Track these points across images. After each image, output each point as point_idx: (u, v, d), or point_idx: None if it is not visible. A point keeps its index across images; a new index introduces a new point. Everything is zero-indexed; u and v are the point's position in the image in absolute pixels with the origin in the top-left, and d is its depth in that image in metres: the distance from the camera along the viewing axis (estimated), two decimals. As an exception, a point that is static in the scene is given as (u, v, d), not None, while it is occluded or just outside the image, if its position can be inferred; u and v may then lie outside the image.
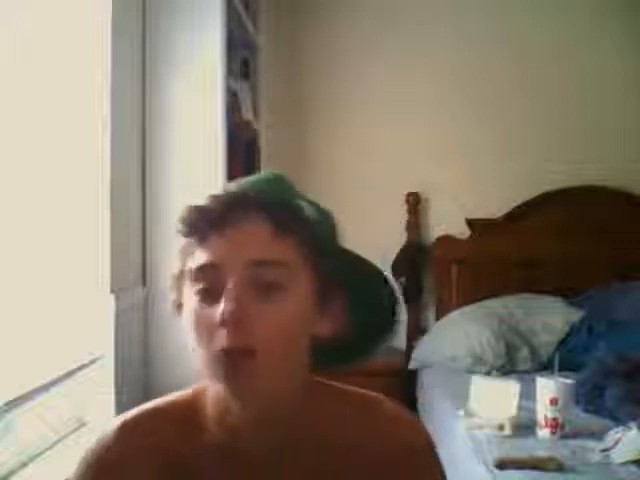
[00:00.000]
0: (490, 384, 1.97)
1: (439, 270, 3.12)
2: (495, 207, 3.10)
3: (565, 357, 2.00)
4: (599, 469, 1.55)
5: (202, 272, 0.67)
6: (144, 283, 2.02)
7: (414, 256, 3.09)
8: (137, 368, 1.91)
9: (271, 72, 3.01)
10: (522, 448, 1.68)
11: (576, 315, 2.67)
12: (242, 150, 2.32)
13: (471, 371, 2.46)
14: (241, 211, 0.67)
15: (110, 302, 1.73)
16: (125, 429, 0.72)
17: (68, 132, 1.62)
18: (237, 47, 2.38)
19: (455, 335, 2.68)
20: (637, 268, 2.83)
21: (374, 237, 3.13)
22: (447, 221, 3.16)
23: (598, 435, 1.70)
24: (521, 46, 3.17)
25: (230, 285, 0.64)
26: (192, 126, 1.99)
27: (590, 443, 1.68)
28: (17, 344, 1.36)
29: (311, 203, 0.74)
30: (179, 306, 0.72)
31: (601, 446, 1.62)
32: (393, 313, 0.78)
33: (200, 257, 0.67)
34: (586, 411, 1.98)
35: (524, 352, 2.57)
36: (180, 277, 0.71)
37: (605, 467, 1.56)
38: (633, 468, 1.54)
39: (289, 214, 0.69)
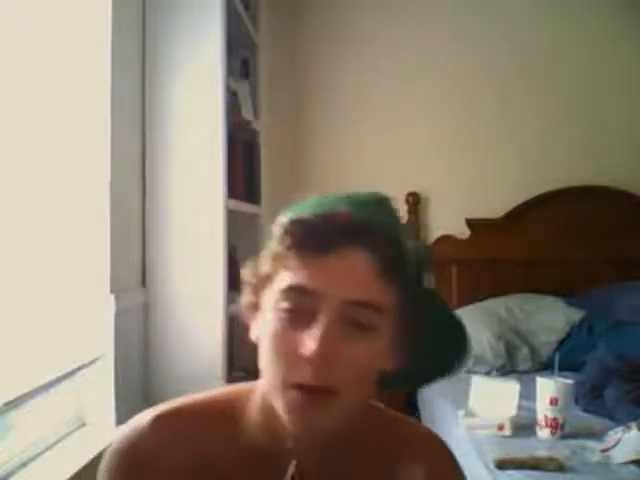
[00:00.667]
0: (490, 384, 1.97)
1: (439, 270, 3.12)
2: (495, 207, 3.10)
3: (565, 357, 2.00)
4: (599, 469, 1.55)
5: (295, 292, 0.63)
6: (144, 283, 2.02)
7: (414, 256, 3.09)
8: (137, 368, 1.90)
9: (271, 72, 3.01)
10: (522, 448, 1.68)
11: (576, 315, 2.67)
12: (242, 150, 2.32)
13: (471, 371, 2.46)
14: (350, 239, 0.63)
15: (110, 302, 1.73)
16: (160, 422, 0.70)
17: (68, 132, 1.62)
18: (237, 47, 2.37)
19: (455, 335, 2.68)
20: (637, 268, 2.83)
21: (374, 237, 3.14)
22: (447, 221, 3.16)
23: (598, 435, 1.70)
24: (521, 46, 3.17)
25: (324, 320, 0.61)
26: (192, 126, 1.99)
27: (590, 443, 1.68)
28: (17, 344, 1.36)
29: (409, 235, 0.70)
30: (253, 307, 0.70)
31: (601, 446, 1.62)
32: (461, 357, 0.77)
33: (297, 277, 0.63)
34: (586, 411, 1.98)
35: (524, 352, 2.57)
36: (264, 281, 0.68)
37: (605, 467, 1.56)
38: (633, 468, 1.54)
39: (396, 254, 0.64)
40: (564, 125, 3.17)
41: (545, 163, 3.15)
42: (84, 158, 1.69)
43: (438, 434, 0.80)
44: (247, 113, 2.36)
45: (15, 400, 1.28)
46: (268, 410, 0.68)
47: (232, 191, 2.07)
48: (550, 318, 2.67)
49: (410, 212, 3.14)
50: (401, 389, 0.80)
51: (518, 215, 3.09)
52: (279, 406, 0.64)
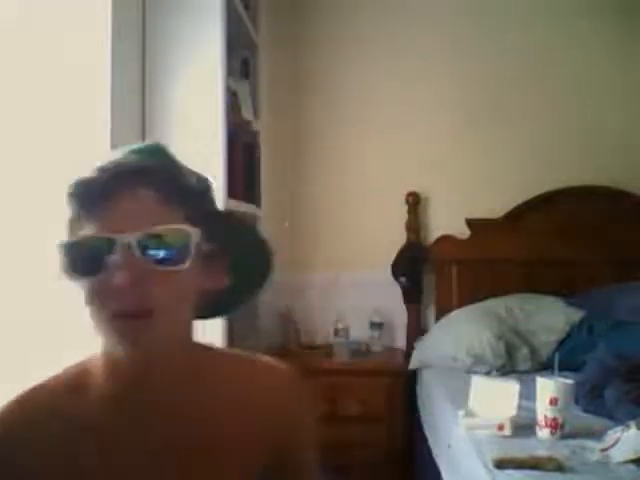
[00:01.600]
0: (490, 384, 1.96)
1: (439, 270, 3.12)
2: (495, 207, 3.10)
3: (565, 357, 2.00)
4: (598, 468, 1.55)
5: (91, 242, 0.70)
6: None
7: (414, 256, 3.09)
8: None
9: (271, 72, 3.01)
10: (522, 448, 1.68)
11: (576, 315, 2.66)
12: (242, 150, 2.32)
13: (471, 371, 2.47)
14: (128, 182, 0.71)
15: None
16: (22, 402, 0.78)
17: (68, 132, 1.62)
18: (237, 47, 2.38)
19: (455, 335, 2.68)
20: (637, 268, 2.83)
21: (374, 237, 3.14)
22: (447, 221, 3.16)
23: (598, 435, 1.70)
24: (519, 48, 3.17)
25: (119, 253, 0.68)
26: (192, 126, 1.99)
27: (590, 443, 1.68)
28: (17, 344, 1.36)
29: (191, 172, 0.79)
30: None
31: (600, 446, 1.62)
32: (267, 269, 0.87)
33: (89, 229, 0.70)
34: (586, 411, 1.98)
35: (524, 352, 2.57)
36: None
37: (604, 466, 1.56)
38: (632, 467, 1.54)
39: (173, 183, 0.74)
40: (564, 125, 3.17)
41: (545, 163, 3.15)
42: (84, 158, 1.69)
43: (281, 365, 0.90)
44: (247, 113, 2.36)
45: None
46: (109, 363, 0.77)
47: (232, 191, 2.08)
48: (550, 318, 2.67)
49: (410, 212, 3.14)
50: (226, 313, 0.92)
51: (518, 215, 3.09)
52: (112, 342, 0.72)
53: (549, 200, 3.06)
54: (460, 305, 2.94)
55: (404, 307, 3.12)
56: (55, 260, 0.76)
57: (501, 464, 1.57)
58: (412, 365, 2.82)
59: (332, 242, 3.16)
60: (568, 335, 2.60)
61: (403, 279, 3.06)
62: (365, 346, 3.03)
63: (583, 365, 2.18)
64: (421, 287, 3.12)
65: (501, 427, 1.79)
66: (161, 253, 0.70)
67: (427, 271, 3.14)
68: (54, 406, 0.77)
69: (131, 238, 0.68)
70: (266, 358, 0.90)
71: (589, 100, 3.16)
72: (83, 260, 0.71)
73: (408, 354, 2.92)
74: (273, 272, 0.88)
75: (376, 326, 3.06)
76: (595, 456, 1.60)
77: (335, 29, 3.23)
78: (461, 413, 1.90)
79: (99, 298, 0.70)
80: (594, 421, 1.88)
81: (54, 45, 1.55)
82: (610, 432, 1.65)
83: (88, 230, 0.71)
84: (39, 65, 1.48)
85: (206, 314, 0.85)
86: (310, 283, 3.19)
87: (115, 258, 0.68)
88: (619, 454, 1.56)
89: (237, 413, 0.81)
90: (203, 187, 0.80)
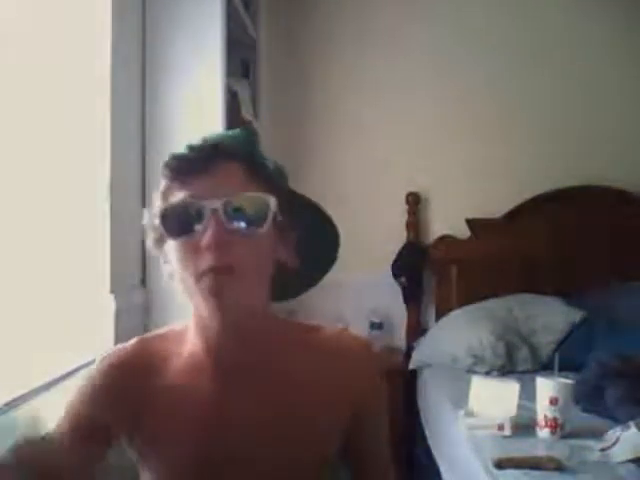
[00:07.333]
0: (490, 384, 1.96)
1: (439, 270, 3.12)
2: (495, 207, 3.10)
3: (565, 357, 2.00)
4: (598, 468, 1.55)
5: (183, 207, 0.79)
6: (144, 283, 2.02)
7: (414, 256, 3.09)
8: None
9: (271, 72, 3.01)
10: (522, 448, 1.68)
11: (576, 315, 2.66)
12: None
13: (471, 371, 2.46)
14: (216, 158, 0.80)
15: (110, 302, 1.73)
16: (138, 343, 0.92)
17: (68, 132, 1.62)
18: (237, 47, 2.38)
19: (455, 335, 2.68)
20: (637, 268, 2.83)
21: (374, 237, 3.14)
22: (447, 221, 3.17)
23: (598, 435, 1.70)
24: (520, 47, 3.17)
25: (210, 216, 0.77)
26: (192, 126, 1.99)
27: (590, 443, 1.68)
28: (17, 344, 1.36)
29: (268, 158, 0.88)
30: (159, 242, 0.85)
31: (600, 445, 1.62)
32: (334, 249, 0.95)
33: (181, 194, 0.79)
34: (586, 411, 1.98)
35: (524, 352, 2.57)
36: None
37: (604, 466, 1.56)
38: (632, 467, 1.54)
39: (255, 160, 0.84)
40: (564, 125, 3.17)
41: (545, 163, 3.15)
42: (84, 158, 1.69)
43: (349, 332, 0.98)
44: (247, 113, 2.36)
45: (15, 400, 1.28)
46: (200, 322, 0.85)
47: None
48: (550, 318, 2.67)
49: (410, 212, 3.15)
50: (295, 295, 1.00)
51: (518, 215, 3.09)
52: (199, 299, 0.79)
53: (549, 200, 3.06)
54: (460, 305, 2.94)
55: (404, 307, 3.12)
56: (149, 227, 0.84)
57: (501, 464, 1.57)
58: (412, 365, 2.82)
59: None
60: (568, 335, 2.60)
61: (403, 279, 3.06)
62: (365, 346, 3.02)
63: (583, 365, 2.17)
64: (421, 287, 3.12)
65: (501, 427, 1.79)
66: (242, 217, 0.78)
67: (427, 271, 3.14)
68: (156, 352, 0.89)
69: (217, 204, 0.77)
70: (339, 329, 0.97)
71: (590, 100, 3.16)
72: (176, 223, 0.79)
73: (408, 354, 2.92)
74: (337, 255, 0.94)
75: (376, 326, 3.06)
76: (595, 456, 1.60)
77: (335, 28, 3.23)
78: (461, 413, 1.90)
79: (190, 257, 0.78)
80: (594, 421, 1.88)
81: (54, 45, 1.55)
82: (610, 432, 1.65)
83: (180, 197, 0.79)
84: (38, 65, 1.48)
85: (276, 296, 0.91)
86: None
87: (203, 221, 0.77)
88: (619, 454, 1.56)
89: (319, 380, 0.88)
90: (279, 169, 0.89)
